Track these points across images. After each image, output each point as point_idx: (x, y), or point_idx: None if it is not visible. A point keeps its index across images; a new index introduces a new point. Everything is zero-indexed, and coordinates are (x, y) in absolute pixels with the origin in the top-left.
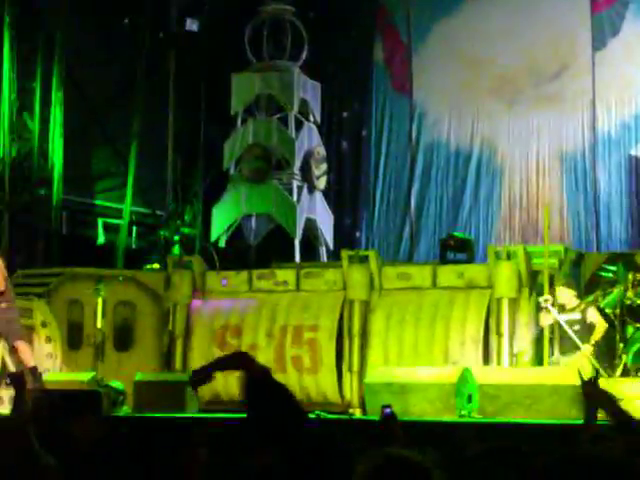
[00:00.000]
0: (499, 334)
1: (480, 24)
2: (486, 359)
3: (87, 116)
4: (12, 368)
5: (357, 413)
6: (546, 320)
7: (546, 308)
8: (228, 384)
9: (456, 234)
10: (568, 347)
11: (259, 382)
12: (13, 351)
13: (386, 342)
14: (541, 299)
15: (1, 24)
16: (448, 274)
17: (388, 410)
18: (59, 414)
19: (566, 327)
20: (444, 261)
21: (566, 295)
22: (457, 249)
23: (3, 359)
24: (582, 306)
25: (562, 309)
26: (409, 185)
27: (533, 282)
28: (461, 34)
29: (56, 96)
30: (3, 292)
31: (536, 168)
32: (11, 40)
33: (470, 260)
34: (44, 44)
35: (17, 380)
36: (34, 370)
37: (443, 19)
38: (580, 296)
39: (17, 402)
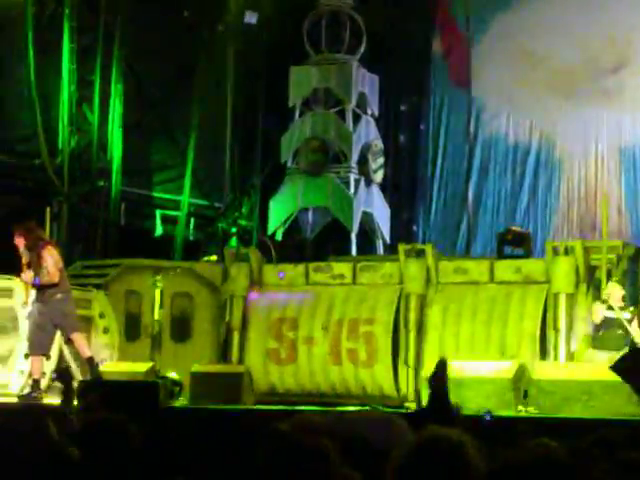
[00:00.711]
0: (556, 329)
1: (539, 19)
2: (543, 354)
3: (146, 108)
4: (70, 360)
5: (413, 407)
6: (600, 315)
7: (605, 303)
8: (284, 376)
9: (514, 228)
10: (603, 343)
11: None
12: (69, 342)
13: (442, 336)
14: (604, 295)
15: (61, 16)
16: (505, 269)
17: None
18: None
19: (626, 324)
20: (501, 255)
21: (616, 293)
22: (515, 243)
23: (61, 350)
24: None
25: (610, 306)
26: (466, 179)
27: (590, 277)
28: (520, 29)
29: (115, 88)
30: (58, 283)
31: (594, 163)
32: (71, 33)
33: (528, 255)
34: (104, 37)
35: (63, 376)
36: (91, 361)
37: (502, 13)
38: (637, 292)
39: (65, 396)
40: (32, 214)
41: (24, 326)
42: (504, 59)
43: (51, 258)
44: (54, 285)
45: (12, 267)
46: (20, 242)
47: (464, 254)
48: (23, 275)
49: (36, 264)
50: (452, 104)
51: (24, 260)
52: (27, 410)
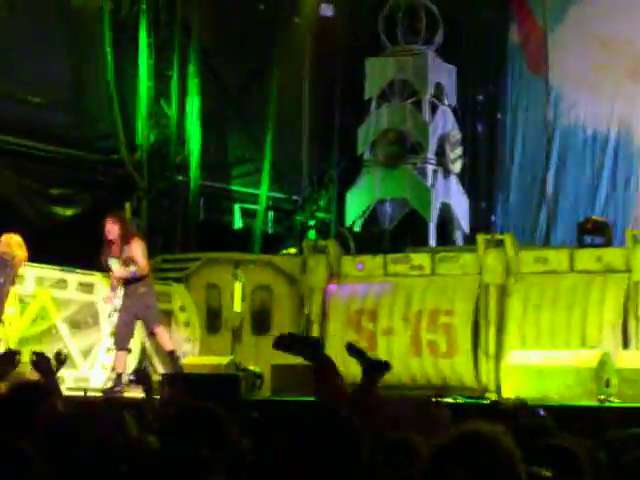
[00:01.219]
0: (637, 318)
1: (616, 4)
2: (625, 344)
3: (223, 102)
4: (152, 353)
5: (493, 397)
6: None
7: None
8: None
9: (594, 217)
10: None
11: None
12: (151, 336)
13: (522, 326)
14: None
15: (138, 12)
16: (586, 258)
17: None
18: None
19: None
20: (581, 245)
21: None
22: (595, 232)
23: (143, 344)
24: None
25: None
26: (545, 168)
27: None
28: (597, 15)
29: (193, 82)
30: (146, 275)
31: None
32: (148, 28)
33: (608, 244)
34: (180, 31)
35: (141, 378)
36: (172, 354)
37: (578, 0)
38: None
39: (147, 394)
40: (113, 209)
41: (104, 321)
42: (581, 47)
43: (141, 250)
44: (138, 279)
45: (92, 263)
46: (114, 230)
47: (543, 244)
48: (119, 270)
49: (125, 255)
50: (529, 93)
51: (108, 252)
52: (105, 404)
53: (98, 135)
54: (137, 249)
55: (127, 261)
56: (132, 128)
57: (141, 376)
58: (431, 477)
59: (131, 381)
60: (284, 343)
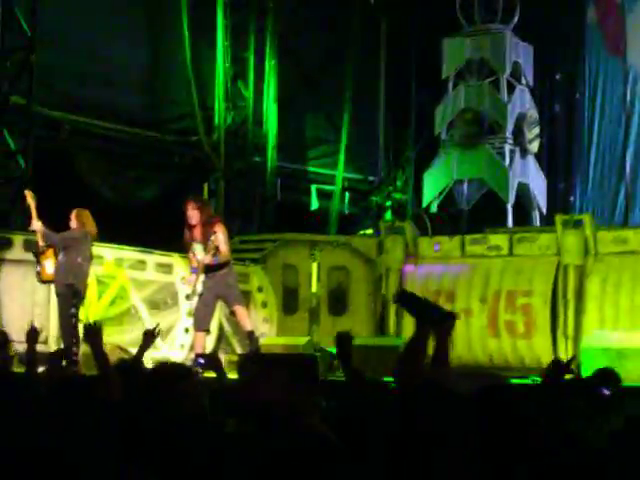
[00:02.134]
0: None
1: None
2: None
3: (300, 83)
4: (230, 334)
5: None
6: None
7: None
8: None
9: None
10: None
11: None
12: (232, 315)
13: (602, 307)
14: None
15: None
16: None
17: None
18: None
19: None
20: None
21: None
22: None
23: (221, 324)
24: None
25: None
26: (624, 148)
27: None
28: None
29: (269, 64)
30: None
31: None
32: (224, 9)
33: None
34: (257, 13)
35: (211, 363)
36: (251, 335)
37: None
38: None
39: (218, 374)
40: (189, 191)
41: (183, 301)
42: None
43: (223, 235)
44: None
45: (170, 244)
46: (195, 215)
47: (622, 224)
48: (202, 257)
49: (207, 240)
50: (607, 73)
51: (189, 236)
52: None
53: (175, 117)
54: (220, 235)
55: (210, 246)
56: (209, 110)
57: (211, 361)
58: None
59: (201, 365)
60: (407, 299)
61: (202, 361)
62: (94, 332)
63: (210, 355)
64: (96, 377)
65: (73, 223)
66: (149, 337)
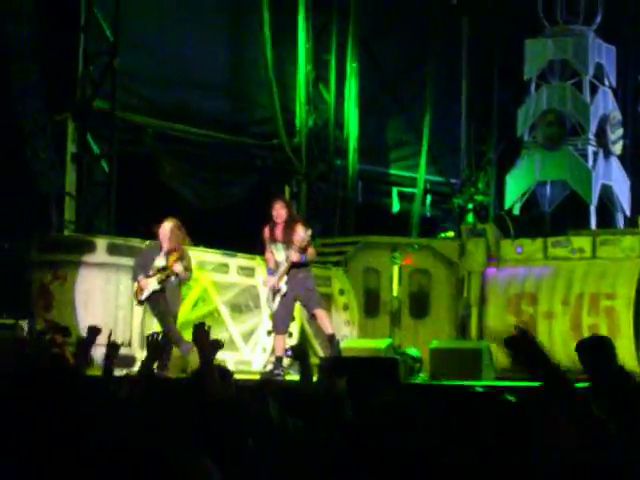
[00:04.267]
0: None
1: None
2: None
3: (381, 86)
4: (311, 337)
5: None
6: None
7: None
8: None
9: None
10: None
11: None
12: (312, 319)
13: None
14: None
15: None
16: None
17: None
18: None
19: None
20: None
21: None
22: None
23: (303, 327)
24: None
25: None
26: None
27: None
28: None
29: (351, 67)
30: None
31: None
32: (306, 12)
33: None
34: (338, 16)
35: (298, 351)
36: (332, 338)
37: None
38: None
39: (303, 372)
40: (271, 193)
41: (265, 304)
42: None
43: (306, 235)
44: (300, 264)
45: (253, 247)
46: (282, 214)
47: None
48: (289, 255)
49: (289, 239)
50: None
51: (270, 235)
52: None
53: (257, 120)
54: (302, 234)
55: (292, 245)
56: (291, 112)
57: (298, 352)
58: None
59: (288, 356)
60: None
61: (289, 353)
62: (202, 332)
63: (298, 347)
64: (193, 378)
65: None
66: (152, 348)
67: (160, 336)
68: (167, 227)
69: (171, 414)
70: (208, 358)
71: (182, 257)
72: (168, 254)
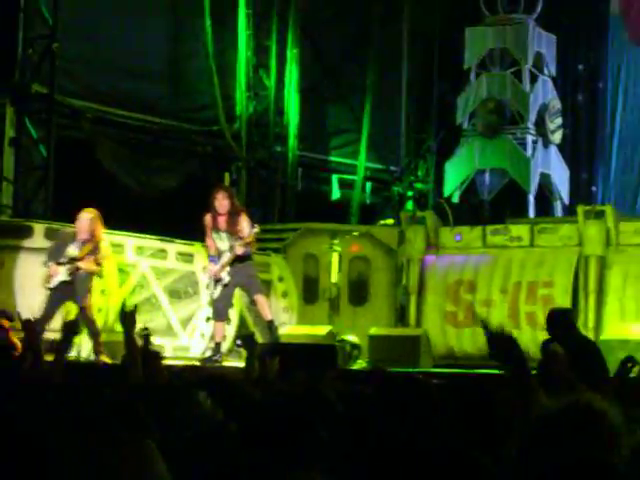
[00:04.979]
0: None
1: None
2: None
3: (322, 73)
4: (251, 324)
5: None
6: None
7: None
8: (462, 339)
9: None
10: None
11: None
12: (252, 304)
13: (623, 299)
14: None
15: None
16: None
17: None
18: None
19: None
20: None
21: None
22: None
23: (242, 312)
24: None
25: None
26: None
27: None
28: None
29: (291, 53)
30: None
31: None
32: None
33: None
34: (279, 2)
35: (248, 342)
36: (271, 324)
37: None
38: None
39: (249, 362)
40: (211, 180)
41: (204, 290)
42: None
43: (248, 224)
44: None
45: (191, 233)
46: (225, 205)
47: None
48: (238, 249)
49: (232, 229)
50: (630, 63)
51: (213, 223)
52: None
53: (197, 106)
54: (245, 224)
55: (235, 236)
56: (231, 99)
57: (248, 341)
58: (535, 443)
59: (238, 345)
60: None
61: (239, 342)
62: (129, 317)
63: (248, 335)
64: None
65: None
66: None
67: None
68: (85, 217)
69: (94, 398)
70: (132, 343)
71: (95, 250)
72: (82, 245)
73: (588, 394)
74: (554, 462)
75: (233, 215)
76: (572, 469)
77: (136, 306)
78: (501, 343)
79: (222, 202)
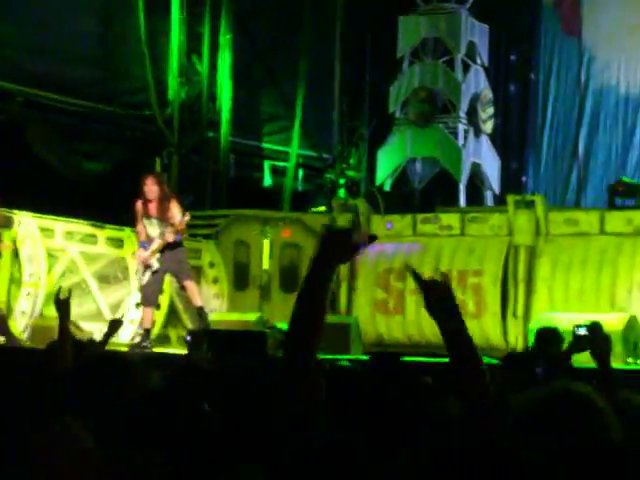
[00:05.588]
0: None
1: None
2: None
3: (255, 59)
4: (181, 310)
5: None
6: None
7: None
8: (392, 327)
9: (625, 179)
10: None
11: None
12: (182, 290)
13: (552, 288)
14: None
15: None
16: (616, 220)
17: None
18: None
19: None
20: (612, 207)
21: None
22: (626, 195)
23: (172, 298)
24: None
25: None
26: (577, 130)
27: None
28: None
29: (224, 39)
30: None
31: None
32: None
33: (639, 206)
34: None
35: (197, 340)
36: (201, 310)
37: None
38: None
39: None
40: (142, 165)
41: (133, 276)
42: (615, 7)
43: (179, 211)
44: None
45: (122, 217)
46: (154, 190)
47: (574, 205)
48: (164, 234)
49: (163, 215)
50: (563, 54)
51: (143, 210)
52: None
53: (129, 90)
54: (176, 210)
55: (166, 222)
56: (163, 84)
57: (197, 338)
58: (521, 432)
59: (186, 342)
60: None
61: (188, 338)
62: (64, 304)
63: (197, 332)
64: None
65: None
66: (114, 326)
67: None
68: None
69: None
70: (65, 329)
71: None
72: None
73: (569, 381)
74: (544, 449)
75: (163, 201)
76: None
77: (70, 292)
78: (435, 293)
79: (151, 187)
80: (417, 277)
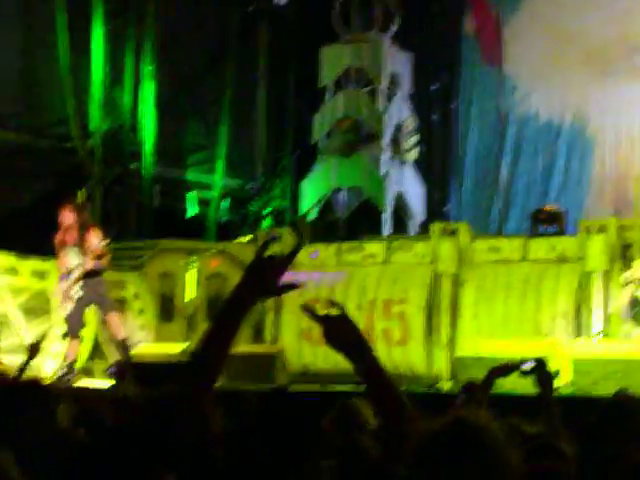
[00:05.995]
0: (590, 307)
1: None
2: (577, 333)
3: (178, 90)
4: (105, 342)
5: (446, 387)
6: (627, 295)
7: (630, 283)
8: (317, 356)
9: (547, 207)
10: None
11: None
12: (104, 323)
13: (476, 315)
14: (626, 274)
15: None
16: (539, 247)
17: None
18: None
19: None
20: (535, 234)
21: None
22: (548, 222)
23: (96, 330)
24: None
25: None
26: (499, 158)
27: (625, 256)
28: (551, 5)
29: (147, 70)
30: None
31: (628, 141)
32: (103, 15)
33: (561, 233)
34: (135, 19)
35: (121, 371)
36: (123, 343)
37: None
38: None
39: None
40: (65, 197)
41: (56, 309)
42: (536, 37)
43: (101, 244)
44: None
45: (45, 250)
46: (69, 218)
47: (497, 233)
48: (88, 262)
49: (82, 244)
50: (484, 83)
51: (62, 239)
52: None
53: (50, 122)
54: (95, 240)
55: (85, 251)
56: (86, 116)
57: (121, 369)
58: (419, 462)
59: (111, 374)
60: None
61: (113, 370)
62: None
63: (122, 363)
64: None
65: None
66: (33, 350)
67: None
68: None
69: None
70: None
71: None
72: None
73: (468, 410)
74: None
75: (82, 230)
76: None
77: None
78: (333, 325)
79: (67, 215)
80: (312, 314)
